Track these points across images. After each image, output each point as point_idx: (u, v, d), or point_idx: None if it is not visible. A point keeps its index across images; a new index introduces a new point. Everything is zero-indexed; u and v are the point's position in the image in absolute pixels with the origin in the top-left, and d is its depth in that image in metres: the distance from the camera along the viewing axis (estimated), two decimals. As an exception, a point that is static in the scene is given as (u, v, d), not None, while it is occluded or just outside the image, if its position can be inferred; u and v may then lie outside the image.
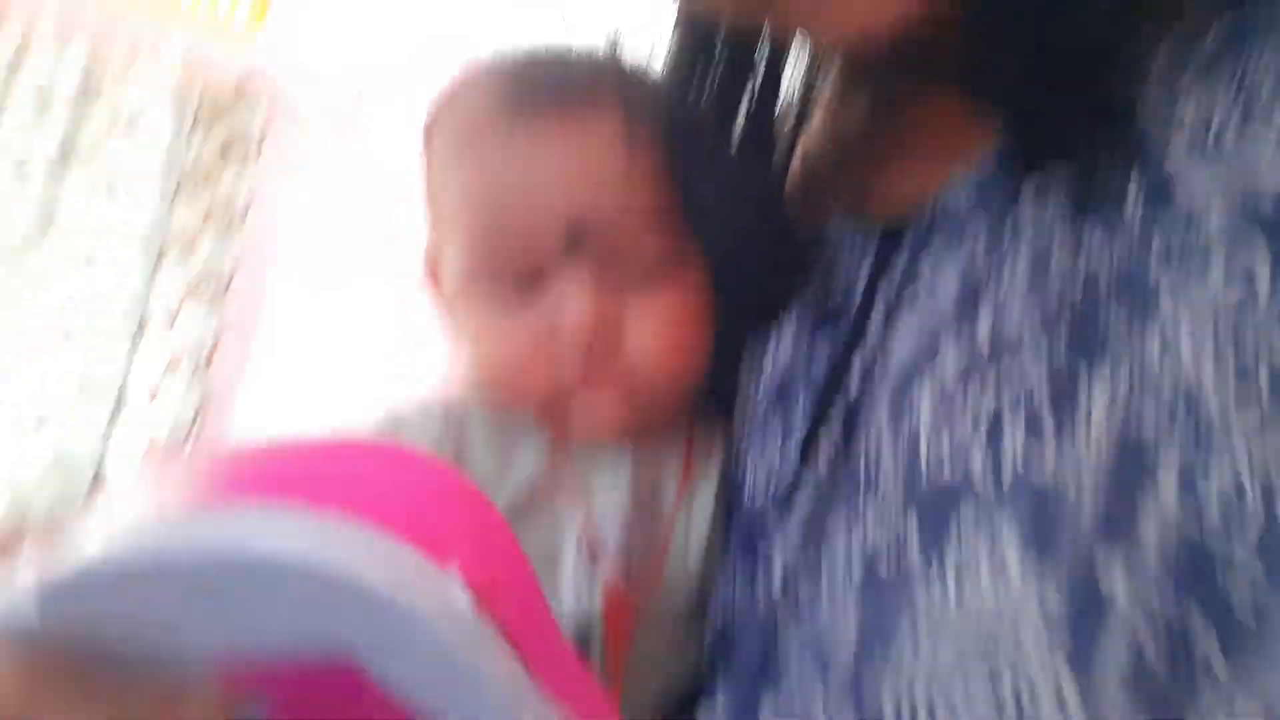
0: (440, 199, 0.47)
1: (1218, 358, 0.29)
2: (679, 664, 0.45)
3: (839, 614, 0.37)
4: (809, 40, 0.47)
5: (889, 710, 0.33)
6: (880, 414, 0.38)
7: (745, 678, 0.41)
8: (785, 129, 0.50)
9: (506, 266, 0.44)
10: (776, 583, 0.40)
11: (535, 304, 0.44)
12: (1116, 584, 0.29)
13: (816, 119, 0.51)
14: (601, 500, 0.46)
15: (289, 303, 2.56)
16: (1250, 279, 0.29)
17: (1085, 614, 0.30)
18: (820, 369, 0.43)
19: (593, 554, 0.43)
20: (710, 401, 0.48)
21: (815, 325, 0.45)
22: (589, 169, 0.43)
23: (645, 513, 0.46)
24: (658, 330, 0.44)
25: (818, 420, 0.41)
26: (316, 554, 0.17)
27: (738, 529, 0.44)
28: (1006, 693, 0.31)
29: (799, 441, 0.42)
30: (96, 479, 2.33)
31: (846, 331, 0.42)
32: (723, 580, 0.44)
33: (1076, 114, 0.35)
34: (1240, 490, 0.28)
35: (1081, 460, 0.31)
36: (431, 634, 0.18)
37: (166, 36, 2.50)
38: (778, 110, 0.49)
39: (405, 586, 0.18)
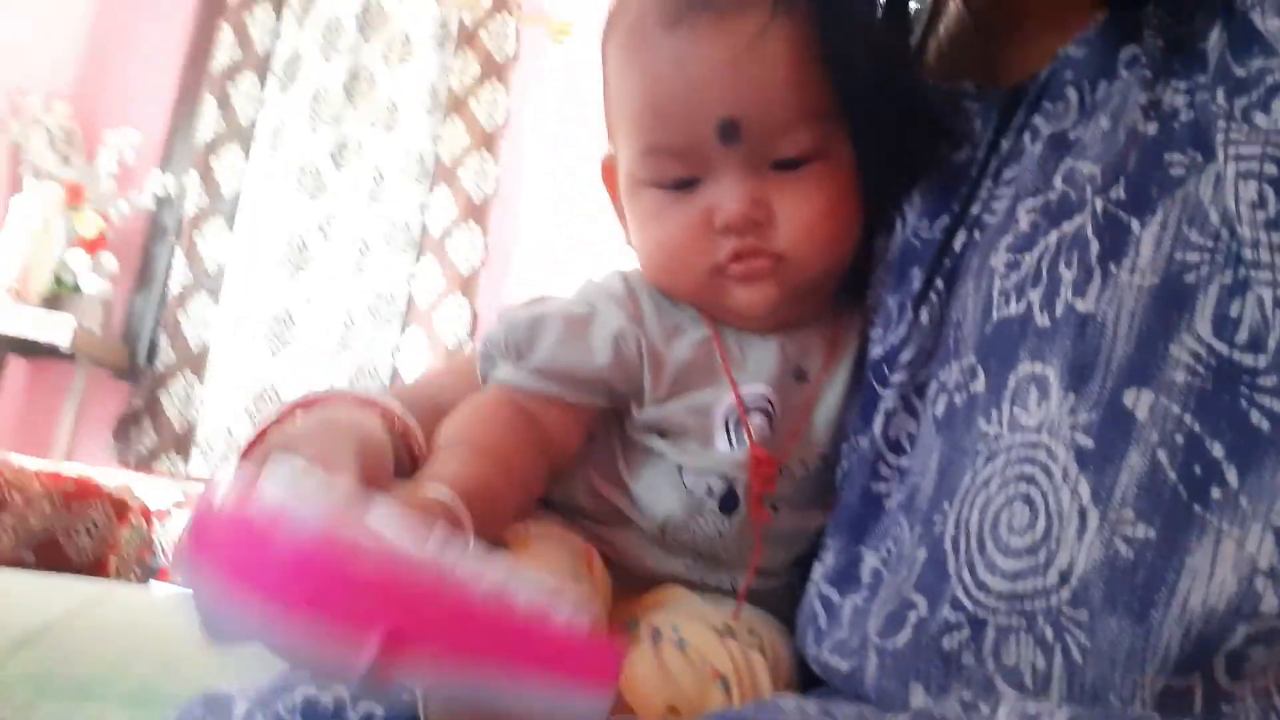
0: (613, 105, 0.52)
1: (1261, 182, 0.32)
2: (814, 519, 0.50)
3: (925, 452, 0.41)
4: None
5: (948, 539, 0.37)
6: (971, 268, 0.43)
7: (848, 520, 0.45)
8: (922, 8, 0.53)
9: (668, 170, 0.48)
10: (878, 426, 0.45)
11: (693, 199, 0.48)
12: (1142, 403, 0.33)
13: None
14: (753, 369, 0.50)
15: (545, 219, 2.65)
16: None
17: (1110, 430, 0.33)
18: (937, 235, 0.47)
19: (743, 414, 0.48)
20: (853, 280, 0.52)
21: (938, 193, 0.48)
22: (740, 64, 0.45)
23: (791, 381, 0.50)
24: (808, 217, 0.48)
25: (928, 283, 0.45)
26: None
27: (862, 380, 0.49)
28: (1040, 514, 0.34)
29: (912, 302, 0.46)
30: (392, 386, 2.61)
31: (963, 197, 0.46)
32: (846, 427, 0.49)
33: None
34: (1263, 305, 0.32)
35: (1124, 290, 0.34)
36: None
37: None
38: None
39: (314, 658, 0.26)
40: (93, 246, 2.30)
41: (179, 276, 2.47)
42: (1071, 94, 0.42)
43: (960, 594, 0.36)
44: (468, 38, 2.66)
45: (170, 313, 2.46)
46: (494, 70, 2.65)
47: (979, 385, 0.39)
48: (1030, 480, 0.35)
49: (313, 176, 2.57)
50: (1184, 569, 0.31)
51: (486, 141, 2.64)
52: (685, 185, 0.48)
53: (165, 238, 2.57)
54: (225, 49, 2.51)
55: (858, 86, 0.47)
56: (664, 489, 0.49)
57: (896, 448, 0.45)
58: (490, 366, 0.51)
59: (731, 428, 0.49)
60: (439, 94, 2.65)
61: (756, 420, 0.49)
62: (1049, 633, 0.33)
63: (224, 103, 2.52)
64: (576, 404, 0.49)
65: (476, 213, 2.63)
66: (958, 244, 0.45)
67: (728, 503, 0.49)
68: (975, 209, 0.45)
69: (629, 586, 0.51)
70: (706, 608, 0.48)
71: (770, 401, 0.49)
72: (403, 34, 2.63)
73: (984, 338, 0.40)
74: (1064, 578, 0.33)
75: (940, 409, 0.41)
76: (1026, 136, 0.44)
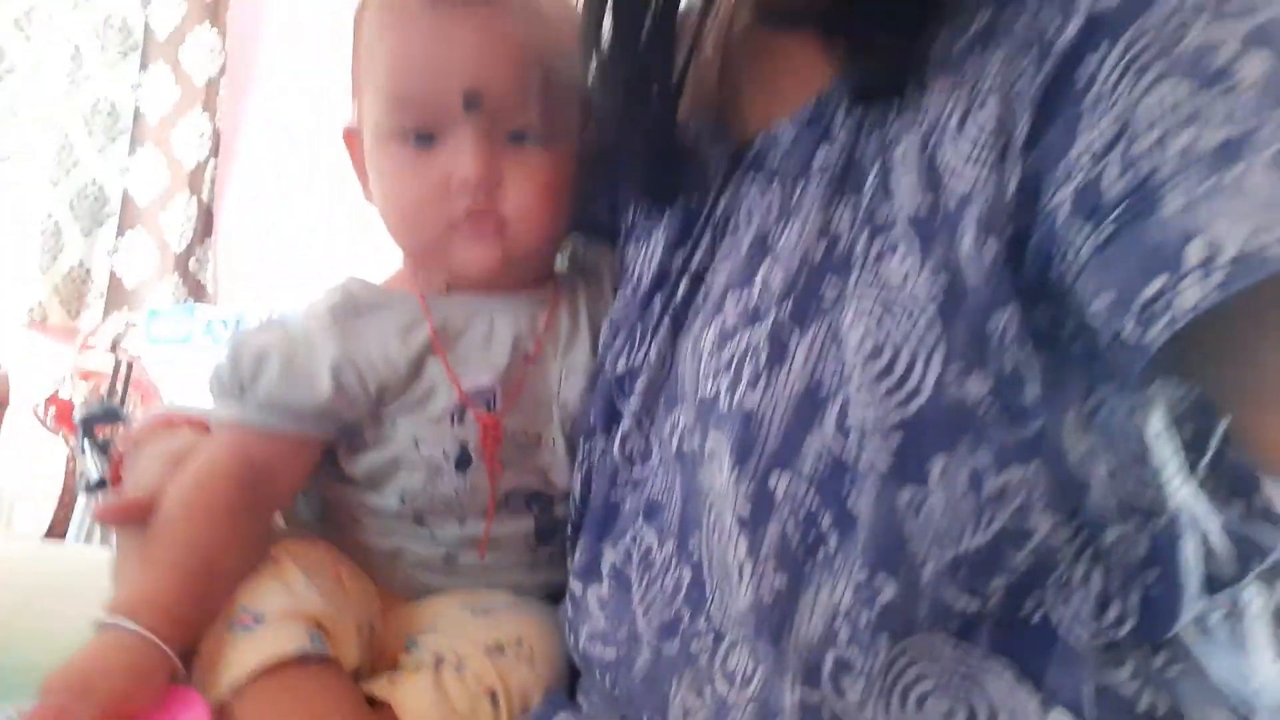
0: (364, 71, 0.57)
1: (865, 332, 0.40)
2: (535, 481, 0.57)
3: (666, 471, 0.49)
4: None
5: (705, 569, 0.45)
6: (692, 331, 0.49)
7: (592, 522, 0.53)
8: (682, 35, 0.57)
9: (414, 122, 0.54)
10: (618, 444, 0.52)
11: (433, 158, 0.54)
12: (780, 486, 0.42)
13: (709, 35, 0.59)
14: (474, 356, 0.56)
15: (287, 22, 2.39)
16: (904, 269, 0.40)
17: (759, 506, 0.42)
18: (668, 275, 0.53)
19: (466, 401, 0.55)
20: (580, 267, 0.63)
21: (679, 230, 0.54)
22: (487, 46, 0.53)
23: (511, 350, 0.57)
24: (530, 190, 0.55)
25: (659, 321, 0.52)
26: None
27: (600, 391, 0.55)
28: (727, 555, 0.44)
29: (641, 335, 0.53)
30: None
31: (690, 244, 0.53)
32: (580, 424, 0.56)
33: (900, 58, 0.43)
34: (863, 420, 0.40)
35: (778, 395, 0.43)
36: None
37: None
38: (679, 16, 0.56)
39: None
40: None
41: None
42: (776, 190, 0.48)
43: (714, 609, 0.45)
44: None
45: None
46: None
47: (693, 437, 0.46)
48: (716, 528, 0.44)
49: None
50: (799, 610, 0.41)
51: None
52: (426, 140, 0.54)
53: None
54: None
55: (595, 93, 0.55)
56: (400, 463, 0.55)
57: (631, 460, 0.52)
58: (217, 401, 0.55)
59: (456, 417, 0.56)
60: None
61: (480, 407, 0.56)
62: (738, 651, 0.44)
63: None
64: (302, 436, 0.54)
65: (212, 14, 2.32)
66: (680, 291, 0.52)
67: (463, 461, 0.55)
68: (694, 262, 0.52)
69: (392, 598, 0.56)
70: (477, 625, 0.53)
71: (494, 390, 0.56)
72: None
73: (694, 400, 0.47)
74: (722, 616, 0.44)
75: (674, 446, 0.48)
76: (742, 216, 0.50)
